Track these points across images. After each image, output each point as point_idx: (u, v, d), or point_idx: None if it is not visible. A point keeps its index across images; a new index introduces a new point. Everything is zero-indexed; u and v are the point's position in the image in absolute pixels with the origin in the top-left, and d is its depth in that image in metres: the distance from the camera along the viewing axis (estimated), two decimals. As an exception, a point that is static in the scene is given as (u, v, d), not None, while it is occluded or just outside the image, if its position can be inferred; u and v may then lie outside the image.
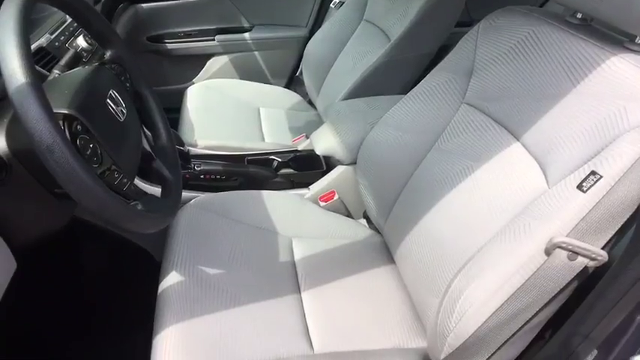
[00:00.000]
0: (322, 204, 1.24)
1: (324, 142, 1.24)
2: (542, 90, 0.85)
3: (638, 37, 0.76)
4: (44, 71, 0.90)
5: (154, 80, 2.01)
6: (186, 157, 1.29)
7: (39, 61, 0.92)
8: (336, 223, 1.20)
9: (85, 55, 0.95)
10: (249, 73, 2.01)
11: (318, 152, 1.24)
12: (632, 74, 0.73)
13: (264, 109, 1.77)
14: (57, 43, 1.01)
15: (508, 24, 0.96)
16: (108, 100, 0.72)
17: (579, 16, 0.86)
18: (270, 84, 2.00)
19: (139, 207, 0.73)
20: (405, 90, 1.17)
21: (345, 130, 1.22)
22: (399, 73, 1.46)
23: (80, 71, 0.75)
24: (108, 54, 0.85)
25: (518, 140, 0.87)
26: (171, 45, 1.92)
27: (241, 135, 1.57)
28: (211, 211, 1.13)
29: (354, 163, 1.21)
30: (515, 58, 0.92)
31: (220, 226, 1.10)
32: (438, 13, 1.38)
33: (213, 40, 1.94)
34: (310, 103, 1.90)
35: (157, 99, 0.92)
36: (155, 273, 1.01)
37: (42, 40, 0.95)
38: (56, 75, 0.84)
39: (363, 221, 1.27)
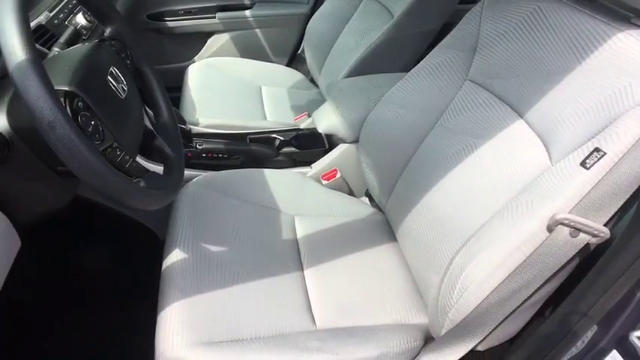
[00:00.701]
0: (324, 182, 1.24)
1: (326, 120, 1.23)
2: (547, 67, 0.84)
3: (645, 13, 0.75)
4: (44, 49, 0.89)
5: (155, 58, 1.99)
6: (188, 136, 1.29)
7: (38, 39, 0.92)
8: (339, 202, 1.20)
9: (84, 32, 0.94)
10: (250, 51, 1.99)
11: (320, 130, 1.23)
12: (639, 50, 0.72)
13: (265, 88, 1.76)
14: (56, 21, 1.00)
15: (513, 0, 0.94)
16: (108, 77, 0.71)
17: (586, -9, 0.84)
18: (272, 62, 1.98)
19: (142, 184, 0.73)
20: (408, 68, 1.16)
21: (348, 108, 1.22)
22: (402, 50, 1.44)
23: (80, 48, 0.74)
24: (107, 31, 0.84)
25: (521, 117, 0.86)
26: (171, 23, 1.90)
27: (243, 113, 1.56)
28: (214, 190, 1.13)
29: (356, 141, 1.21)
30: (521, 35, 0.91)
31: (223, 204, 1.10)
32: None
33: (214, 17, 1.91)
34: (312, 81, 1.88)
35: (158, 76, 0.91)
36: (159, 251, 1.01)
37: (41, 18, 0.94)
38: (56, 52, 0.83)
39: (366, 199, 1.27)
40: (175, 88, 1.69)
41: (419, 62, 1.10)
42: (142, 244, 1.27)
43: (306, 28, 1.81)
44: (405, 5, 1.39)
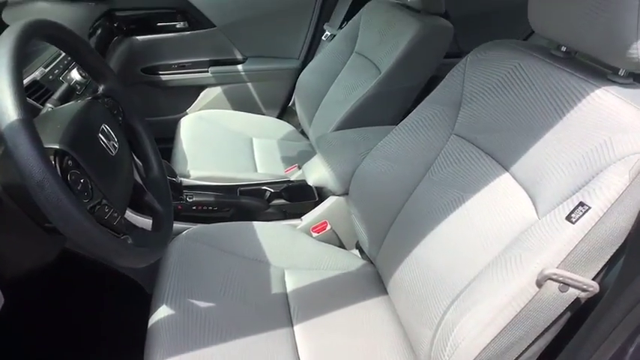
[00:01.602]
0: (315, 235, 1.24)
1: (316, 173, 1.24)
2: (529, 122, 0.86)
3: (621, 70, 0.78)
4: (37, 105, 0.90)
5: (148, 111, 2.03)
6: (179, 188, 1.29)
7: (32, 94, 0.93)
8: (329, 254, 1.19)
9: (78, 88, 0.96)
10: (242, 103, 2.03)
11: (310, 183, 1.24)
12: (617, 106, 0.74)
13: (257, 140, 1.78)
14: (51, 77, 1.02)
15: (495, 57, 0.98)
16: (99, 135, 0.72)
17: (564, 49, 0.88)
18: (263, 114, 2.02)
19: (129, 241, 0.73)
20: (396, 121, 1.19)
21: (337, 161, 1.23)
22: (390, 104, 1.48)
23: (73, 106, 0.75)
24: (101, 88, 0.86)
25: (507, 171, 0.88)
26: (165, 76, 1.94)
27: (234, 165, 1.57)
28: (203, 243, 1.12)
29: (346, 193, 1.22)
30: (503, 91, 0.94)
31: (212, 258, 1.09)
32: (427, 47, 1.41)
33: (207, 71, 1.97)
34: (303, 133, 1.91)
35: (150, 132, 0.92)
36: (146, 305, 0.99)
37: (36, 74, 0.96)
38: (49, 109, 0.84)
39: (356, 252, 1.26)
40: (168, 139, 1.72)
41: (407, 115, 1.13)
42: (129, 297, 1.25)
43: (297, 82, 1.86)
44: (392, 61, 1.44)
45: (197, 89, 2.02)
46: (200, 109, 2.00)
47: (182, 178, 1.42)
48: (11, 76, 0.57)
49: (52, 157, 0.63)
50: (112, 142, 0.75)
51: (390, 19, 1.55)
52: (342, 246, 1.29)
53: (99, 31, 1.61)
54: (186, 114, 1.97)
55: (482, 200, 0.90)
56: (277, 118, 2.04)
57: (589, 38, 0.77)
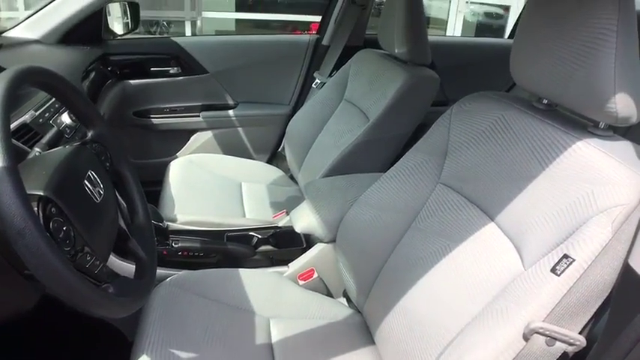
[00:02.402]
0: (301, 282, 1.22)
1: (304, 220, 1.24)
2: (513, 172, 0.88)
3: (601, 123, 0.80)
4: (26, 148, 0.90)
5: (139, 153, 2.03)
6: (165, 233, 1.28)
7: (21, 137, 0.93)
8: (316, 303, 1.17)
9: (68, 131, 0.96)
10: (232, 148, 2.05)
11: (297, 230, 1.24)
12: (598, 158, 0.76)
13: (246, 184, 1.78)
14: (41, 120, 1.02)
15: (479, 108, 1.01)
16: (85, 182, 0.72)
17: (545, 101, 0.91)
18: (253, 159, 2.03)
19: (110, 290, 0.71)
20: (384, 168, 1.20)
21: (325, 208, 1.23)
22: (378, 151, 1.50)
23: (60, 151, 0.75)
24: (90, 133, 0.86)
25: (492, 220, 0.89)
26: (156, 120, 1.96)
27: (222, 210, 1.57)
28: (187, 290, 1.10)
29: (333, 241, 1.21)
30: (487, 141, 0.96)
31: (196, 305, 1.07)
32: (414, 96, 1.45)
33: (199, 116, 1.99)
34: (292, 178, 1.92)
35: (137, 178, 0.92)
36: (127, 353, 0.96)
37: (26, 117, 0.96)
38: (37, 153, 0.84)
39: (343, 300, 1.25)
40: (157, 182, 1.71)
41: (395, 163, 1.14)
42: (110, 345, 1.21)
43: (287, 128, 1.89)
44: (380, 110, 1.46)
45: (188, 133, 2.03)
46: (190, 153, 2.01)
47: (169, 223, 1.41)
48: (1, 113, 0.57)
49: (35, 204, 0.63)
50: (97, 188, 0.74)
51: (378, 69, 1.59)
52: (329, 294, 1.27)
53: (92, 75, 1.63)
54: (177, 157, 1.98)
55: (468, 250, 0.90)
56: (267, 162, 2.06)
57: (569, 92, 0.79)
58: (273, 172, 1.93)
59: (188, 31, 6.11)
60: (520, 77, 0.91)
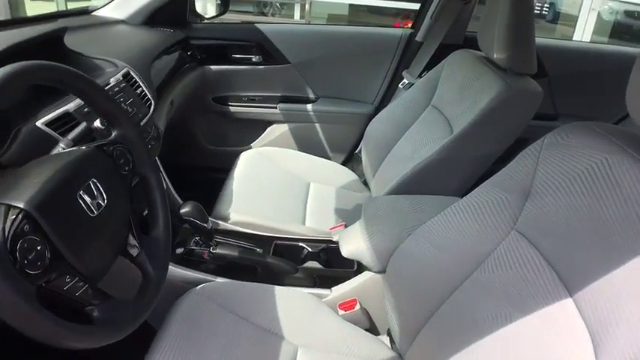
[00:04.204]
0: (341, 312, 1.09)
1: (352, 243, 1.10)
2: (609, 238, 0.66)
3: None
4: (59, 137, 0.86)
5: (214, 140, 2.02)
6: (209, 234, 1.21)
7: (61, 126, 0.90)
8: (353, 338, 1.03)
9: (97, 130, 0.90)
10: (307, 144, 1.95)
11: (343, 254, 1.10)
12: None
13: (314, 185, 1.67)
14: (86, 109, 0.99)
15: (578, 144, 0.78)
16: (80, 193, 0.65)
17: (671, 149, 0.67)
18: (328, 158, 1.91)
19: (95, 314, 0.64)
20: (461, 191, 1.03)
21: (378, 234, 1.08)
22: (457, 171, 1.30)
23: (62, 156, 0.70)
24: (114, 133, 0.80)
25: (570, 296, 0.68)
26: (234, 108, 1.92)
27: (281, 212, 1.47)
28: (215, 303, 1.02)
29: (383, 271, 1.06)
30: (582, 189, 0.74)
31: (220, 321, 0.99)
32: (508, 112, 1.22)
33: (276, 108, 1.91)
34: (366, 184, 1.78)
35: (162, 186, 0.85)
36: (150, 341, 0.93)
37: (70, 105, 0.93)
38: (60, 149, 0.80)
39: (386, 339, 1.09)
40: (227, 170, 1.66)
41: (475, 187, 0.96)
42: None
43: (366, 130, 1.73)
44: (466, 123, 1.26)
45: (264, 124, 1.97)
46: (265, 145, 1.95)
47: (220, 222, 1.35)
48: None
49: (11, 218, 0.57)
50: (96, 200, 0.67)
51: (473, 74, 1.38)
52: (371, 329, 1.12)
53: (169, 57, 1.61)
54: (251, 148, 1.93)
55: (533, 325, 0.71)
56: (342, 164, 1.92)
57: None
58: (346, 176, 1.79)
59: (297, 15, 6.10)
60: (637, 111, 0.68)
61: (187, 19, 1.77)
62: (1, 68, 0.60)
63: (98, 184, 0.69)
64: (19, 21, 1.27)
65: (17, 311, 0.52)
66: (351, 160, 2.00)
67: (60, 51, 1.12)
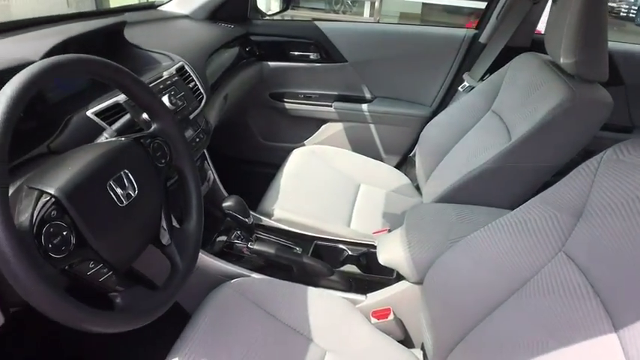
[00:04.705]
0: (373, 320, 1.06)
1: (390, 251, 1.06)
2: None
3: None
4: (103, 124, 0.90)
5: (269, 135, 2.04)
6: (250, 229, 1.22)
7: (111, 116, 0.93)
8: (383, 348, 1.00)
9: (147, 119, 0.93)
10: (361, 145, 1.92)
11: (380, 261, 1.07)
12: None
13: (364, 187, 1.64)
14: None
15: (640, 162, 0.71)
16: (111, 183, 0.67)
17: None
18: (382, 160, 1.86)
19: (117, 300, 0.66)
20: (514, 204, 0.96)
21: (419, 243, 1.03)
22: (511, 182, 1.22)
23: (100, 146, 0.72)
24: (153, 126, 0.82)
25: (615, 330, 0.61)
26: (289, 105, 1.93)
27: (327, 212, 1.45)
28: (247, 297, 1.03)
29: (420, 282, 1.01)
30: (640, 214, 0.66)
31: (250, 316, 0.99)
32: (572, 122, 1.12)
33: (331, 106, 1.89)
34: (418, 188, 1.72)
35: (198, 180, 0.86)
36: (183, 325, 0.95)
37: (121, 97, 0.96)
38: (104, 138, 0.83)
39: (419, 353, 1.04)
40: (278, 166, 1.67)
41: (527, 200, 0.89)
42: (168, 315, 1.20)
43: (422, 132, 1.68)
44: (525, 130, 1.18)
45: (319, 122, 1.96)
46: (318, 143, 1.94)
47: (263, 217, 1.35)
48: (3, 116, 0.54)
49: (42, 203, 0.59)
50: (126, 190, 0.69)
51: (537, 79, 1.28)
52: (404, 341, 1.08)
53: (227, 51, 1.64)
54: (304, 145, 1.93)
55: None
56: (395, 167, 1.86)
57: None
58: (398, 179, 1.74)
59: (366, 12, 6.04)
60: None
61: (248, 15, 1.80)
62: (39, 61, 0.62)
63: (130, 175, 0.71)
64: (87, 14, 1.35)
65: (38, 292, 0.54)
66: (405, 163, 1.95)
67: (119, 44, 1.17)
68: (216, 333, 0.95)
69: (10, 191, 0.64)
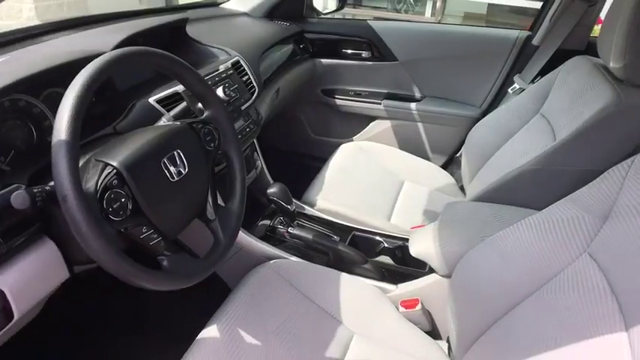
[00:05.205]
0: (402, 309, 1.10)
1: (421, 244, 1.09)
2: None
3: None
4: (163, 110, 1.00)
5: (319, 130, 2.11)
6: (291, 215, 1.30)
7: (170, 103, 1.03)
8: (409, 337, 1.04)
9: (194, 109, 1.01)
10: (408, 143, 1.94)
11: (411, 253, 1.11)
12: None
13: (408, 184, 1.67)
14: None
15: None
16: (164, 160, 0.76)
17: None
18: (428, 159, 1.88)
19: (164, 263, 0.75)
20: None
21: (450, 237, 1.06)
22: (550, 185, 1.21)
23: (160, 128, 0.81)
24: (205, 114, 0.90)
25: (625, 329, 0.63)
26: (340, 101, 1.98)
27: (368, 206, 1.50)
28: (284, 278, 1.10)
29: (449, 276, 1.04)
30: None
31: (285, 295, 1.07)
32: (618, 127, 1.10)
33: (380, 104, 1.93)
34: (462, 189, 1.73)
35: (243, 165, 0.94)
36: (223, 299, 1.04)
37: (179, 87, 1.06)
38: (162, 122, 0.93)
39: (445, 345, 1.08)
40: (326, 159, 1.74)
41: None
42: (210, 287, 1.28)
43: (469, 133, 1.68)
44: (568, 133, 1.17)
45: (368, 119, 2.00)
46: (366, 139, 1.99)
47: (306, 206, 1.42)
48: (75, 104, 0.64)
49: (105, 173, 0.69)
50: (178, 168, 0.78)
51: (586, 83, 1.27)
52: (431, 333, 1.11)
53: (281, 48, 1.72)
54: (352, 140, 1.98)
55: (581, 357, 0.66)
56: (441, 167, 1.87)
57: None
58: (443, 178, 1.76)
59: (428, 11, 5.97)
60: None
61: (304, 14, 1.87)
62: (108, 53, 0.72)
63: (182, 154, 0.79)
64: (155, 10, 1.47)
65: (98, 246, 0.63)
66: (451, 163, 1.95)
67: (182, 38, 1.28)
68: (252, 307, 1.02)
69: (81, 163, 0.74)
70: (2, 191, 0.67)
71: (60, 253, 0.79)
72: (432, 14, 5.83)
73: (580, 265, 0.78)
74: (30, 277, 0.73)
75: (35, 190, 0.66)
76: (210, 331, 0.96)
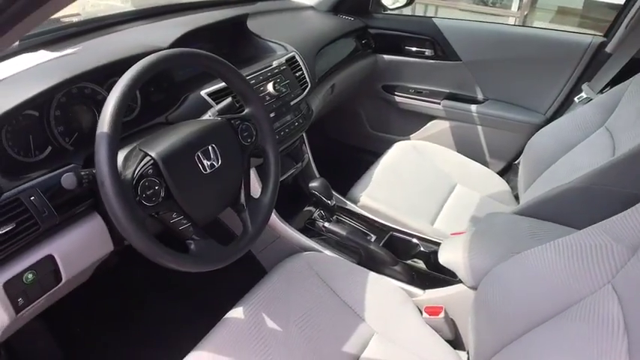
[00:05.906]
0: (425, 315, 1.11)
1: (451, 253, 1.09)
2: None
3: None
4: (212, 102, 1.06)
5: (378, 125, 2.11)
6: (331, 210, 1.33)
7: (220, 97, 1.10)
8: (429, 343, 1.05)
9: (237, 106, 1.07)
10: (466, 145, 1.90)
11: (440, 260, 1.10)
12: None
13: (460, 188, 1.64)
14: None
15: None
16: (198, 153, 0.82)
17: None
18: (485, 164, 1.83)
19: (192, 247, 0.82)
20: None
21: (480, 249, 1.05)
22: (599, 204, 1.13)
23: (200, 122, 0.88)
24: (245, 111, 0.96)
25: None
26: (399, 98, 1.97)
27: (414, 207, 1.50)
28: (314, 270, 1.15)
29: (475, 288, 1.04)
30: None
31: (312, 286, 1.11)
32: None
33: (439, 103, 1.90)
34: (517, 197, 1.67)
35: (278, 161, 0.99)
36: (258, 279, 1.10)
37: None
38: (208, 116, 1.00)
39: (465, 356, 1.07)
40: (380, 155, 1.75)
41: None
42: (247, 268, 1.34)
43: (529, 141, 1.62)
44: (624, 152, 1.10)
45: (426, 118, 1.98)
46: (423, 138, 1.96)
47: (348, 202, 1.45)
48: (117, 100, 0.72)
49: (144, 162, 0.77)
50: (210, 161, 0.84)
51: (657, 99, 1.18)
52: (453, 342, 1.11)
53: (343, 43, 1.74)
54: (409, 139, 1.97)
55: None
56: (499, 173, 1.81)
57: None
58: (498, 185, 1.70)
59: (515, 5, 5.63)
60: None
61: (370, 9, 1.87)
62: (155, 54, 0.79)
63: (216, 148, 0.86)
64: (222, 2, 1.54)
65: (129, 228, 0.71)
66: (509, 170, 1.88)
67: (241, 33, 1.34)
68: (280, 294, 1.08)
69: (128, 149, 0.83)
70: (57, 171, 0.78)
71: (107, 228, 0.89)
72: (519, 8, 5.51)
73: (601, 295, 0.76)
74: (78, 247, 0.84)
75: (83, 173, 0.75)
76: (237, 312, 1.03)
